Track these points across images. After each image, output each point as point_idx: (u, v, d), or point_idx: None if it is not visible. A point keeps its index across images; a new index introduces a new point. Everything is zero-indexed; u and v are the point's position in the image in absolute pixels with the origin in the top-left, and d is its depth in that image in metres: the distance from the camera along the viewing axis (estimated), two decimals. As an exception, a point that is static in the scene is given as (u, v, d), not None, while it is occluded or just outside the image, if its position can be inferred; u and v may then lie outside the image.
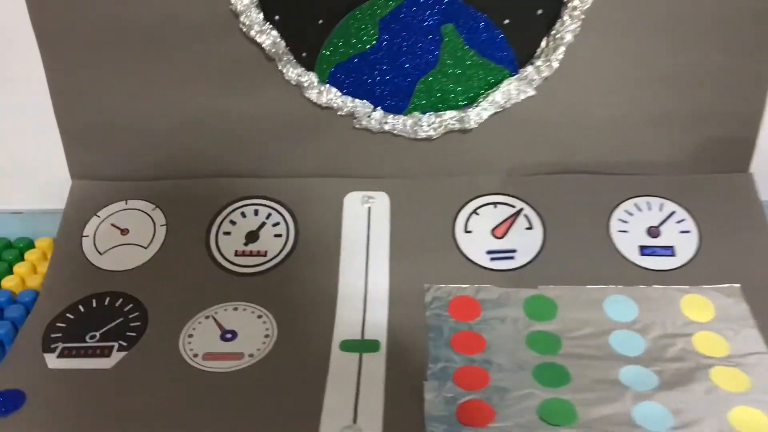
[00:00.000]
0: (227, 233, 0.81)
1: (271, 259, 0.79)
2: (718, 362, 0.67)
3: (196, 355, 0.70)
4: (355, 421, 0.63)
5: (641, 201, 0.81)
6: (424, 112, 0.80)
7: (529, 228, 0.80)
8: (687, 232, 0.79)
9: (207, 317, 0.74)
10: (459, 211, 0.81)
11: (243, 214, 0.82)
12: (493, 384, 0.66)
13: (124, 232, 0.81)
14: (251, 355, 0.70)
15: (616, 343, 0.70)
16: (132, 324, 0.73)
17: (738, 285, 0.74)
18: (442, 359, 0.69)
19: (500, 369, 0.67)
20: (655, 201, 0.81)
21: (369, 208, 0.82)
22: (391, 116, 0.80)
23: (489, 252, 0.78)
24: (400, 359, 0.69)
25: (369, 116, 0.80)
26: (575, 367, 0.67)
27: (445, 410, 0.63)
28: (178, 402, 0.65)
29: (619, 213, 0.80)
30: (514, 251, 0.78)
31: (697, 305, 0.73)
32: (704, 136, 0.81)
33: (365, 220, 0.81)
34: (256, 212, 0.82)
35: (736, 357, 0.68)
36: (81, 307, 0.75)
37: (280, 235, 0.80)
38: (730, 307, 0.73)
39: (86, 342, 0.71)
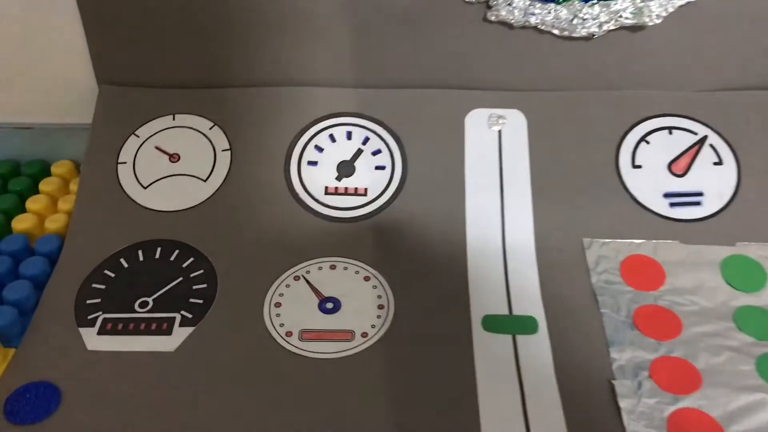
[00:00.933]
0: (313, 163, 0.60)
1: (373, 200, 0.59)
2: None
3: (290, 333, 0.51)
4: (528, 429, 0.45)
5: None
6: (586, 0, 0.58)
7: (719, 163, 0.60)
8: None
9: (296, 278, 0.55)
10: (623, 137, 0.61)
11: (332, 138, 0.61)
12: (709, 387, 0.48)
13: (174, 157, 0.61)
14: (365, 335, 0.51)
15: None
16: (196, 286, 0.54)
17: None
18: (627, 345, 0.50)
19: (712, 364, 0.49)
20: None
21: (499, 131, 0.61)
22: (540, 4, 0.58)
23: (667, 195, 0.59)
24: (571, 344, 0.51)
25: (509, 3, 0.58)
26: (813, 361, 0.49)
27: (653, 425, 0.45)
28: (266, 399, 0.47)
29: (833, 143, 0.60)
30: (700, 194, 0.59)
31: None
32: None
33: (495, 147, 0.61)
34: (349, 135, 0.61)
35: None
36: (123, 262, 0.56)
37: (382, 167, 0.60)
38: None
39: (136, 312, 0.52)
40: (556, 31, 0.59)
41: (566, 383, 0.48)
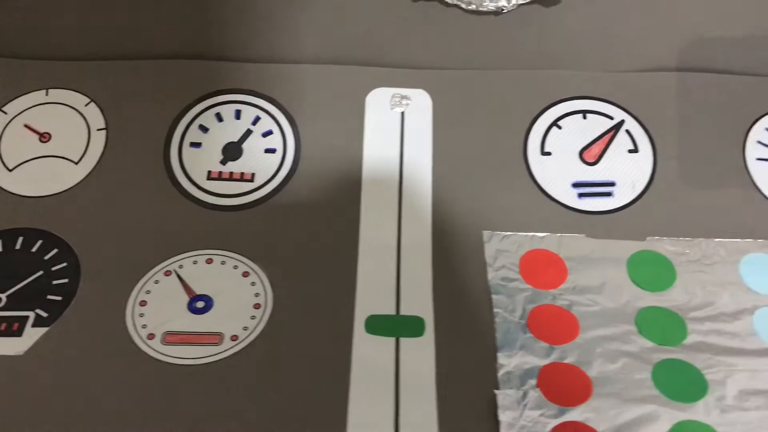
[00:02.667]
0: (196, 145, 0.56)
1: (259, 187, 0.54)
2: None
3: (152, 336, 0.47)
4: (397, 435, 0.42)
5: (792, 115, 0.57)
6: (493, -29, 0.53)
7: (634, 150, 0.56)
8: None
9: (167, 273, 0.50)
10: (534, 121, 0.57)
11: (219, 117, 0.56)
12: (597, 399, 0.44)
13: (45, 137, 0.56)
14: (234, 338, 0.47)
15: (764, 328, 0.48)
16: (56, 281, 0.50)
17: None
18: (516, 349, 0.47)
19: (605, 371, 0.46)
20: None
21: (402, 113, 0.57)
22: (444, -25, 0.53)
23: (576, 184, 0.55)
24: (456, 349, 0.47)
25: (410, -26, 0.53)
26: (711, 369, 0.46)
27: (533, 440, 0.42)
28: (127, 407, 0.43)
29: (758, 132, 0.57)
30: (611, 184, 0.55)
31: None
32: None
33: (396, 130, 0.56)
34: (238, 114, 0.56)
35: None
36: (-20, 252, 0.51)
37: (273, 150, 0.55)
38: None
39: (-14, 309, 0.48)
40: (462, 5, 0.54)
41: (447, 392, 0.45)
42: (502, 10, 0.54)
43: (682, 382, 0.46)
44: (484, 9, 0.54)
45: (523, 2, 0.54)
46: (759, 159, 0.56)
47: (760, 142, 0.56)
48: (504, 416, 0.43)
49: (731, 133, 0.57)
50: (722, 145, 0.56)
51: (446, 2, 0.54)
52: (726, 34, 0.58)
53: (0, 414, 0.43)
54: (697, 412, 0.44)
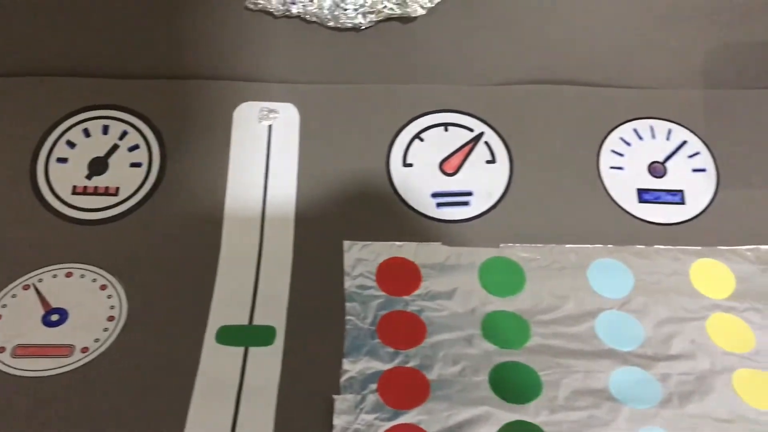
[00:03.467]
0: (63, 160, 0.56)
1: (124, 200, 0.55)
2: (740, 362, 0.50)
3: (3, 349, 0.47)
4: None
5: (642, 125, 0.60)
6: (348, -10, 0.55)
7: (491, 161, 0.58)
8: (702, 170, 0.58)
9: (25, 287, 0.51)
10: (396, 135, 0.59)
11: (86, 132, 0.57)
12: (434, 401, 0.46)
13: None
14: (85, 350, 0.48)
15: (605, 331, 0.51)
16: None
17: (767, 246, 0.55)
18: (363, 354, 0.49)
19: (444, 376, 0.47)
20: (661, 126, 0.60)
21: (270, 126, 0.58)
22: (300, -7, 0.55)
23: (435, 194, 0.57)
24: (304, 354, 0.48)
25: (267, -9, 0.55)
26: (549, 371, 0.48)
27: (362, 445, 0.43)
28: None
29: (612, 142, 0.59)
30: (469, 194, 0.57)
31: (711, 274, 0.55)
32: (733, 40, 0.59)
33: (263, 144, 0.58)
34: (105, 129, 0.58)
35: (766, 353, 0.50)
36: None
37: (138, 165, 0.56)
38: (756, 277, 0.54)
39: None
40: (321, 21, 0.56)
41: (287, 399, 0.46)
42: (360, 26, 0.56)
43: (518, 384, 0.48)
44: (342, 26, 0.56)
45: (379, 20, 0.56)
46: (612, 167, 0.58)
47: (613, 151, 0.59)
48: (338, 420, 0.44)
49: (587, 143, 0.59)
50: (578, 155, 0.59)
51: (306, 20, 0.56)
52: (583, 48, 0.60)
53: None
54: (528, 412, 0.46)
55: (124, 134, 0.57)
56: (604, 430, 0.45)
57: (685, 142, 0.59)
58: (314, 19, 0.56)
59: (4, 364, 0.47)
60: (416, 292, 0.53)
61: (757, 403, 0.47)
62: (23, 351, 0.48)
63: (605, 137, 0.59)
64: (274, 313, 0.51)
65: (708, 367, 0.49)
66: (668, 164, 0.59)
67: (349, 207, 0.56)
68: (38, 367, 0.47)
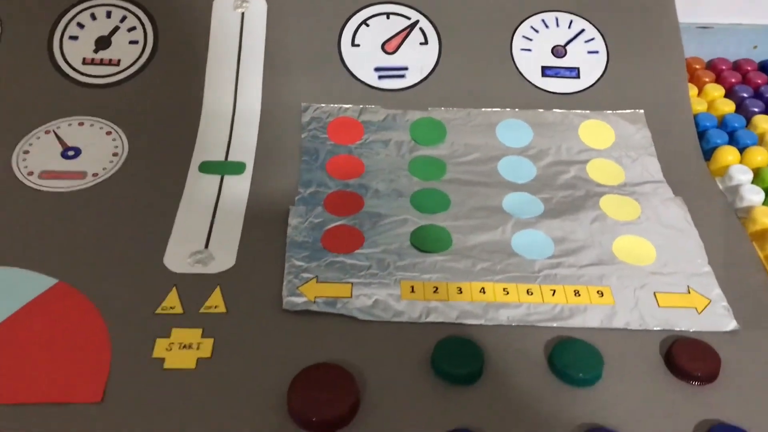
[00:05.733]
0: (74, 38, 0.69)
1: (124, 69, 0.68)
2: (610, 190, 0.63)
3: (31, 173, 0.61)
4: (207, 246, 0.56)
5: (549, 17, 0.73)
6: None
7: (424, 43, 0.71)
8: (595, 52, 0.71)
9: (47, 132, 0.64)
10: (347, 21, 0.71)
11: (93, 16, 0.70)
12: (367, 210, 0.60)
13: (-50, 33, 0.69)
14: (95, 174, 0.61)
15: (505, 170, 0.64)
16: (-44, 138, 0.63)
17: (642, 111, 0.69)
18: (314, 184, 0.62)
19: (376, 195, 0.61)
20: (564, 17, 0.73)
21: (242, 13, 0.71)
22: None
23: (377, 69, 0.70)
24: (268, 183, 0.62)
25: None
26: (457, 194, 0.61)
27: (309, 236, 0.57)
28: (11, 225, 0.57)
29: (523, 29, 0.72)
30: (405, 68, 0.70)
31: (596, 131, 0.68)
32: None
33: (237, 27, 0.70)
34: (108, 14, 0.70)
35: (631, 185, 0.63)
36: None
37: (136, 42, 0.69)
38: (632, 134, 0.68)
39: None
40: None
41: (252, 211, 0.59)
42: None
43: (431, 201, 0.61)
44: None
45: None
46: (522, 49, 0.71)
47: (524, 36, 0.72)
48: (293, 221, 0.58)
49: (503, 29, 0.72)
50: (494, 39, 0.71)
51: None
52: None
53: None
54: (437, 219, 0.59)
55: (123, 18, 0.70)
56: (493, 232, 0.58)
57: (583, 30, 0.72)
58: None
59: (34, 183, 0.60)
60: (358, 142, 0.66)
61: (616, 215, 0.61)
62: (47, 175, 0.61)
63: (518, 25, 0.72)
64: (244, 152, 0.64)
65: (583, 194, 0.62)
66: (568, 47, 0.71)
67: (306, 77, 0.69)
68: (59, 186, 0.60)
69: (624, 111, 0.69)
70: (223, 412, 0.45)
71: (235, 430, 0.44)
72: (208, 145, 0.64)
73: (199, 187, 0.61)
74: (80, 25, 0.69)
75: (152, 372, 0.47)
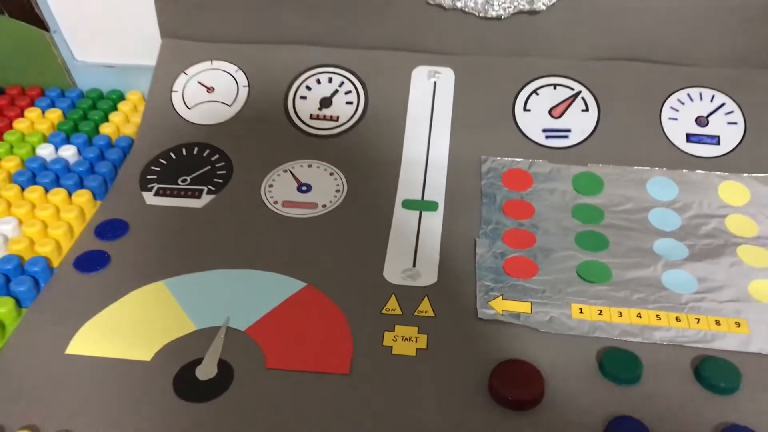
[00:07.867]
0: (303, 97, 0.88)
1: (342, 124, 0.86)
2: (746, 241, 0.74)
3: (276, 202, 0.79)
4: (414, 264, 0.72)
5: (693, 91, 0.85)
6: (495, -8, 0.84)
7: (585, 110, 0.85)
8: (734, 123, 0.83)
9: (285, 171, 0.82)
10: (520, 90, 0.86)
11: (318, 81, 0.88)
12: (539, 245, 0.74)
13: (210, 90, 0.89)
14: (324, 206, 0.78)
15: (654, 219, 0.77)
16: (218, 172, 0.82)
17: (779, 176, 0.80)
18: (493, 222, 0.76)
19: (546, 233, 0.75)
20: (707, 92, 0.85)
21: (435, 82, 0.87)
22: (463, -6, 0.84)
23: (545, 130, 0.84)
24: (456, 219, 0.77)
25: (442, -7, 0.84)
26: (614, 236, 0.74)
27: (493, 263, 0.71)
28: (261, 240, 0.75)
29: (671, 101, 0.85)
30: (568, 131, 0.84)
31: (734, 191, 0.79)
32: (761, 31, 0.84)
33: (430, 93, 0.87)
34: (330, 80, 0.88)
35: (764, 238, 0.74)
36: (172, 154, 0.84)
37: (351, 103, 0.87)
38: (766, 194, 0.78)
39: (178, 184, 0.81)
40: (475, 13, 0.85)
41: (445, 240, 0.74)
42: (501, 16, 0.85)
43: (593, 241, 0.74)
44: (489, 16, 0.85)
45: (515, 12, 0.84)
46: (670, 118, 0.84)
47: (672, 107, 0.84)
48: (479, 250, 0.73)
49: (653, 101, 0.85)
50: (645, 109, 0.84)
51: (464, 11, 0.85)
52: (644, 30, 0.86)
53: (190, 245, 0.75)
54: (598, 257, 0.73)
55: (341, 83, 0.88)
56: (646, 269, 0.71)
57: (723, 104, 0.84)
58: (470, 11, 0.85)
59: (279, 210, 0.78)
60: (529, 189, 0.80)
61: (752, 262, 0.72)
62: (288, 204, 0.79)
63: (666, 98, 0.84)
64: (437, 194, 0.79)
65: (722, 243, 0.74)
66: (710, 118, 0.83)
67: (485, 136, 0.84)
68: (298, 213, 0.78)
69: (759, 174, 0.80)
70: (440, 388, 0.60)
71: (447, 403, 0.59)
72: (408, 186, 0.81)
73: (403, 220, 0.77)
74: (308, 88, 0.88)
75: (384, 356, 0.63)
